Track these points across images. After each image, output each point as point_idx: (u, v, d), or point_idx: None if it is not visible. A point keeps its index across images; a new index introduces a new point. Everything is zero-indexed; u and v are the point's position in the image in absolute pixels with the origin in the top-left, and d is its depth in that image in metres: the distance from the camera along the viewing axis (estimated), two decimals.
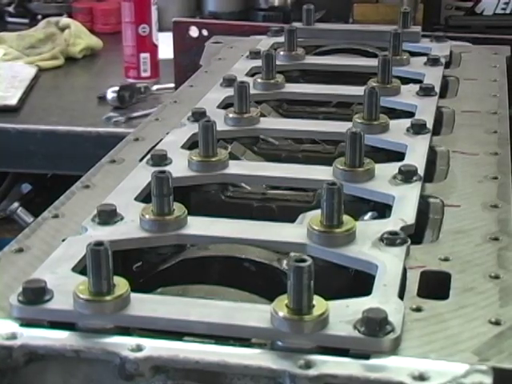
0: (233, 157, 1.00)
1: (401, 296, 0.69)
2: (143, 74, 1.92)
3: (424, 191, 0.89)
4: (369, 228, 0.78)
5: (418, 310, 0.68)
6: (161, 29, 1.98)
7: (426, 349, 0.63)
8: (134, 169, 0.94)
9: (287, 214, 0.89)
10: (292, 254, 0.75)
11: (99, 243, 0.65)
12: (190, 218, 0.81)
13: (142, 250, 0.81)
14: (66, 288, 0.67)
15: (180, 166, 0.93)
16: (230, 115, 1.07)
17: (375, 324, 0.62)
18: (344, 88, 1.24)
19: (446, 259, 0.76)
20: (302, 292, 0.62)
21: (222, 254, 0.78)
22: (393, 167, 0.91)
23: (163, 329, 0.65)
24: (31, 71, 1.96)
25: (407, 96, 1.16)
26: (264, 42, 1.47)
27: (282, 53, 1.34)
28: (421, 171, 0.91)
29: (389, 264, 0.72)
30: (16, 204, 1.96)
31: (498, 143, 1.04)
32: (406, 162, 0.93)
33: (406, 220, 0.80)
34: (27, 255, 0.78)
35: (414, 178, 0.89)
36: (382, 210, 0.87)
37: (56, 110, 1.78)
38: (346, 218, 0.77)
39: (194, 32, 1.75)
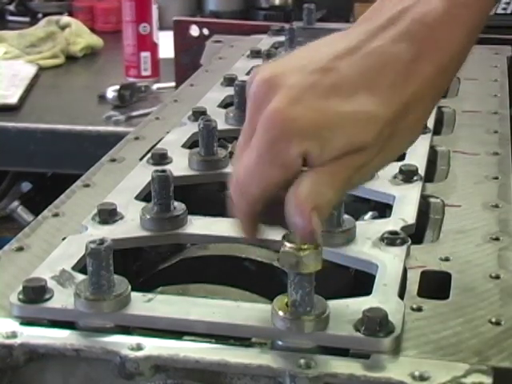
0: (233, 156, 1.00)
1: (401, 296, 0.69)
2: (144, 73, 1.92)
3: (424, 191, 0.89)
4: (369, 228, 0.78)
5: (419, 309, 0.68)
6: (161, 28, 1.97)
7: (426, 349, 0.62)
8: (134, 168, 0.94)
9: None
10: None
11: (99, 242, 0.65)
12: (190, 217, 0.81)
13: (142, 249, 0.81)
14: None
15: (180, 165, 0.93)
16: (231, 114, 1.07)
17: (375, 324, 0.62)
18: None
19: (447, 259, 0.76)
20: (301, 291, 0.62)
21: (222, 254, 0.77)
22: (393, 167, 0.90)
23: (163, 328, 0.65)
24: (31, 70, 1.96)
25: None
26: (265, 42, 1.47)
27: (282, 52, 1.34)
28: (421, 171, 0.91)
29: (389, 264, 0.72)
30: (16, 203, 1.95)
31: (499, 143, 1.04)
32: (406, 161, 0.93)
33: (406, 220, 0.80)
34: (27, 254, 0.78)
35: (415, 178, 0.89)
36: (383, 209, 0.87)
37: (56, 108, 1.78)
38: (346, 217, 0.77)
39: (194, 31, 1.75)
